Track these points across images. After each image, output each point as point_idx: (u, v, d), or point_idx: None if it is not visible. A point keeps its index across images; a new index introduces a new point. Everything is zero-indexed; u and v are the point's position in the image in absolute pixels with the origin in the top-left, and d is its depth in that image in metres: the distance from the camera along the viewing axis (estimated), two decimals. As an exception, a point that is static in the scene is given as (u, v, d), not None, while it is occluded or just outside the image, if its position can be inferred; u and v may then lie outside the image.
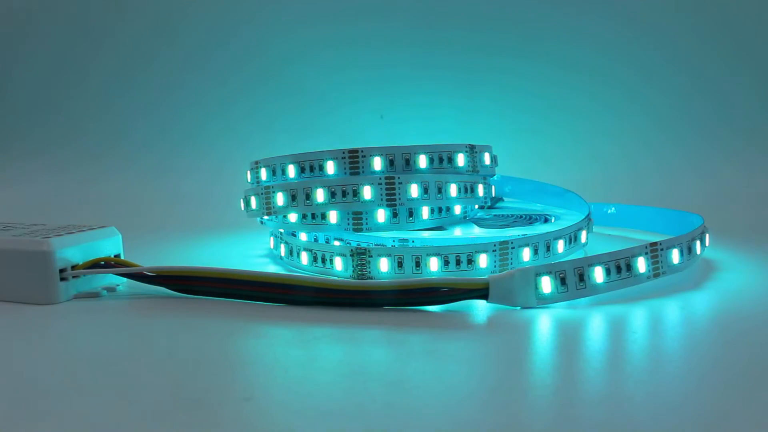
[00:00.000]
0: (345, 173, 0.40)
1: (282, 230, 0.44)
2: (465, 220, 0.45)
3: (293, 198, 0.41)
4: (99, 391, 0.23)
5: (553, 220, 0.46)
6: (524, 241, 0.37)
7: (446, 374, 0.24)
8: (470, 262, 0.36)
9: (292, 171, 0.42)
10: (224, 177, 0.76)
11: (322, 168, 0.41)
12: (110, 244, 0.38)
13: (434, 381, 0.24)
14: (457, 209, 0.44)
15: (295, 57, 0.84)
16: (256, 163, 0.45)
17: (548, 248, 0.39)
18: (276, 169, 0.43)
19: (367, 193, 0.39)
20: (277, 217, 0.43)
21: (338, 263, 0.39)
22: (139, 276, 0.36)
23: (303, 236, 0.43)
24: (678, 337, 0.28)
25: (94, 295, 0.36)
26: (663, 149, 0.78)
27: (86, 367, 0.26)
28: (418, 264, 0.36)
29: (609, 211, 0.57)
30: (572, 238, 0.41)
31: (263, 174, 0.45)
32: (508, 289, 0.32)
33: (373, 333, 0.29)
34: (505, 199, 0.56)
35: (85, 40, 0.86)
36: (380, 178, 0.39)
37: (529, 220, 0.47)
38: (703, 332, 0.29)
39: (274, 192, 0.42)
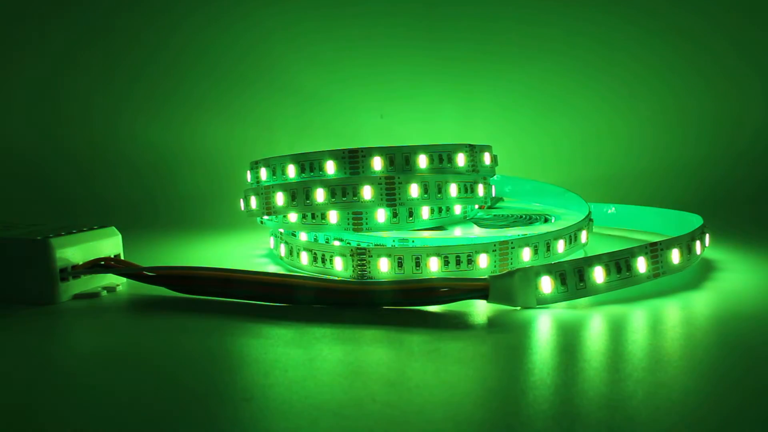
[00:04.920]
0: (345, 173, 0.40)
1: (282, 230, 0.44)
2: (465, 220, 0.45)
3: (293, 198, 0.41)
4: (99, 391, 0.23)
5: (553, 220, 0.46)
6: (524, 241, 0.37)
7: (446, 374, 0.24)
8: (470, 262, 0.36)
9: (292, 171, 0.42)
10: (224, 177, 0.76)
11: (322, 168, 0.41)
12: (110, 244, 0.38)
13: (434, 381, 0.24)
14: (457, 209, 0.44)
15: (296, 56, 0.84)
16: (256, 163, 0.45)
17: (548, 248, 0.39)
18: (276, 169, 0.43)
19: (367, 193, 0.39)
20: (277, 217, 0.43)
21: (338, 263, 0.39)
22: (139, 276, 0.36)
23: (303, 236, 0.43)
24: (678, 337, 0.28)
25: (94, 295, 0.36)
26: (663, 149, 0.78)
27: (86, 367, 0.26)
28: (418, 264, 0.36)
29: (609, 211, 0.57)
30: (572, 238, 0.41)
31: (263, 174, 0.45)
32: (508, 289, 0.32)
33: (373, 333, 0.29)
34: (505, 199, 0.56)
35: (83, 40, 0.86)
36: (380, 178, 0.39)
37: (529, 220, 0.47)
38: (703, 332, 0.29)
39: (274, 192, 0.42)
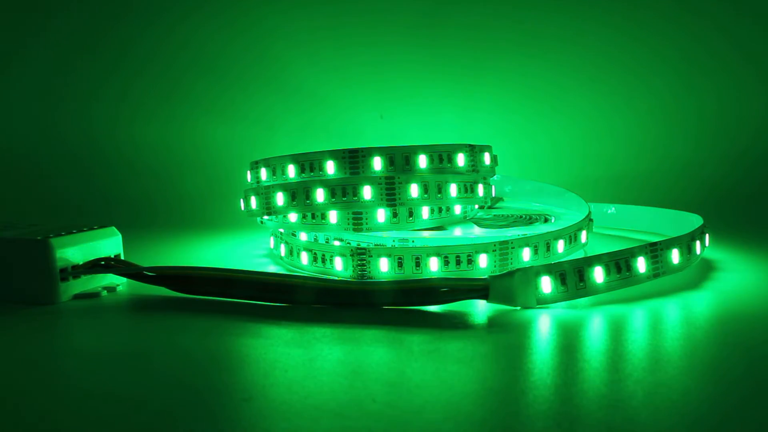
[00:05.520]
0: (345, 173, 0.40)
1: (282, 230, 0.44)
2: (465, 220, 0.45)
3: (293, 198, 0.41)
4: (99, 391, 0.23)
5: (553, 220, 0.46)
6: (524, 241, 0.37)
7: (446, 374, 0.24)
8: (470, 262, 0.36)
9: (292, 171, 0.42)
10: (224, 177, 0.76)
11: (322, 168, 0.41)
12: (110, 244, 0.38)
13: (434, 381, 0.24)
14: (457, 209, 0.44)
15: (296, 56, 0.84)
16: (256, 163, 0.45)
17: (548, 248, 0.39)
18: (276, 169, 0.43)
19: (367, 193, 0.39)
20: (277, 217, 0.43)
21: (338, 263, 0.39)
22: (139, 276, 0.36)
23: (303, 236, 0.43)
24: (678, 337, 0.28)
25: (94, 295, 0.36)
26: (663, 149, 0.78)
27: (86, 367, 0.26)
28: (418, 264, 0.36)
29: (609, 211, 0.57)
30: (572, 238, 0.41)
31: (263, 174, 0.45)
32: (508, 289, 0.32)
33: (373, 333, 0.29)
34: (505, 199, 0.56)
35: (82, 39, 0.86)
36: (380, 178, 0.39)
37: (529, 220, 0.47)
38: (703, 332, 0.29)
39: (274, 192, 0.42)
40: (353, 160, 0.40)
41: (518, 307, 0.32)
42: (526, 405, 0.22)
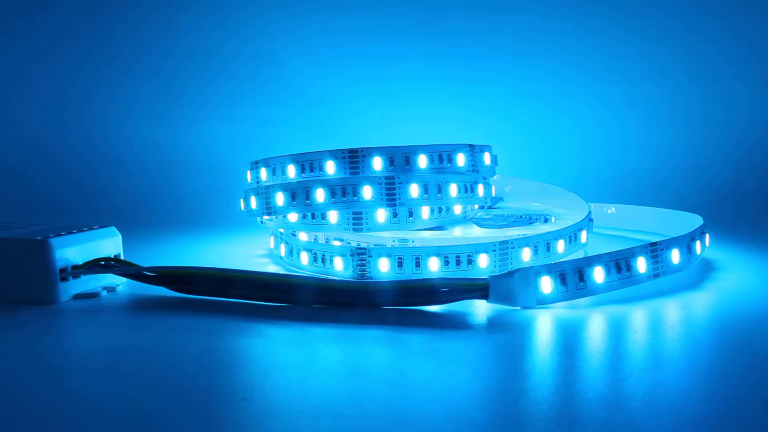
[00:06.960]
0: (345, 173, 0.40)
1: (282, 230, 0.44)
2: (465, 220, 0.45)
3: (293, 198, 0.41)
4: (98, 391, 0.23)
5: (553, 220, 0.46)
6: (524, 241, 0.37)
7: (446, 374, 0.24)
8: (470, 262, 0.36)
9: (292, 171, 0.42)
10: (224, 177, 0.76)
11: (322, 168, 0.41)
12: (110, 244, 0.38)
13: (434, 381, 0.24)
14: (457, 209, 0.44)
15: (296, 56, 0.84)
16: (256, 162, 0.45)
17: (548, 248, 0.39)
18: (276, 169, 0.43)
19: (367, 193, 0.39)
20: (277, 217, 0.43)
21: (338, 263, 0.39)
22: (139, 276, 0.36)
23: (303, 236, 0.43)
24: (678, 337, 0.28)
25: (94, 295, 0.36)
26: (663, 148, 0.78)
27: (85, 368, 0.26)
28: (418, 264, 0.36)
29: (609, 211, 0.57)
30: (572, 238, 0.41)
31: (263, 174, 0.45)
32: (508, 289, 0.32)
33: (373, 333, 0.29)
34: (505, 199, 0.56)
35: (79, 39, 0.86)
36: (380, 178, 0.39)
37: (529, 220, 0.47)
38: (703, 332, 0.29)
39: (274, 192, 0.42)
40: (353, 160, 0.40)
41: (518, 307, 0.32)
42: (526, 405, 0.22)
